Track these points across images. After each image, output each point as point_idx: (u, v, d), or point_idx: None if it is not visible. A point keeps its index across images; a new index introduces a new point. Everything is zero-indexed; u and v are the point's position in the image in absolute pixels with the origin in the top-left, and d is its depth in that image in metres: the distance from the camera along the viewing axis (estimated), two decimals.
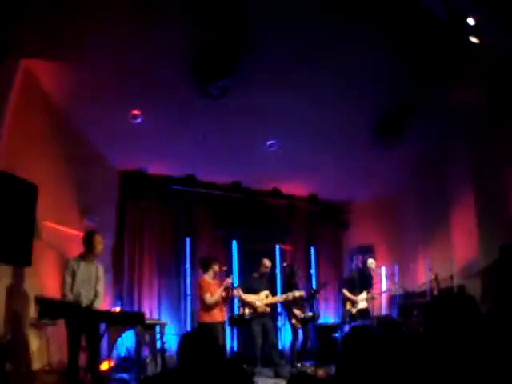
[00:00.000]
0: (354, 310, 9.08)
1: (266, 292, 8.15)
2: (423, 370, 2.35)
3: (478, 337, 2.35)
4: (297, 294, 8.44)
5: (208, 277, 7.64)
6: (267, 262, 8.34)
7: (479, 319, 2.47)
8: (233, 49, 6.09)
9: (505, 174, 7.71)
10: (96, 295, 6.15)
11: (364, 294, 9.20)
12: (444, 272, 8.37)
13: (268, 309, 8.04)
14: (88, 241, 6.14)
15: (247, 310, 7.93)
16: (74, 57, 5.61)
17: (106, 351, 6.60)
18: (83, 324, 5.63)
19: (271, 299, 8.20)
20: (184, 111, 7.56)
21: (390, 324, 7.50)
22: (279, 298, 8.48)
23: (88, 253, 6.12)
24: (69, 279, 5.90)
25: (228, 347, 8.52)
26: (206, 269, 7.70)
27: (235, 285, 7.93)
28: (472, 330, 2.36)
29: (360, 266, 11.01)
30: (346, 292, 9.24)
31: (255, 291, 8.06)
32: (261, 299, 8.00)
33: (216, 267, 7.68)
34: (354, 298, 9.13)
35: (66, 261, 6.11)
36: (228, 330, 8.34)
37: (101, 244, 6.23)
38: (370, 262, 9.52)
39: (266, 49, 6.26)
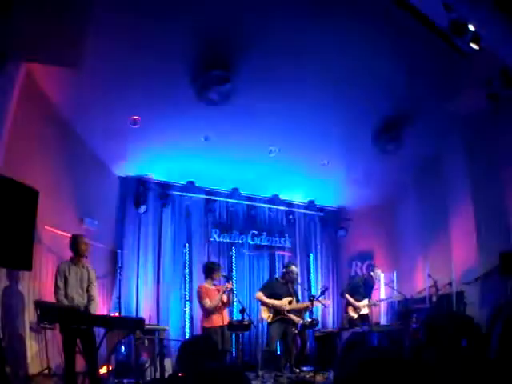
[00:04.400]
0: (355, 316, 9.11)
1: (289, 298, 8.16)
2: (423, 377, 2.36)
3: (477, 346, 2.37)
4: (322, 301, 8.49)
5: (207, 283, 7.67)
6: (295, 269, 8.42)
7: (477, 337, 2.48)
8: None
9: (504, 179, 7.72)
10: (91, 299, 6.19)
11: (366, 301, 9.22)
12: (443, 278, 8.37)
13: (289, 315, 8.03)
14: (73, 244, 6.18)
15: (266, 315, 7.96)
16: (74, 61, 5.63)
17: (104, 356, 6.58)
18: (82, 328, 5.63)
19: (294, 305, 8.19)
20: (184, 117, 7.58)
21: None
22: (302, 304, 8.44)
23: (76, 256, 6.15)
24: (61, 284, 5.92)
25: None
26: (208, 275, 7.72)
27: (258, 288, 7.97)
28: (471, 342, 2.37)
29: (360, 272, 11.04)
30: (349, 297, 9.25)
31: (278, 296, 8.10)
32: (283, 304, 8.02)
33: (216, 274, 7.71)
34: (356, 304, 9.15)
35: (58, 265, 6.13)
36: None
37: (85, 245, 6.25)
38: (377, 271, 9.53)
39: (266, 54, 6.29)
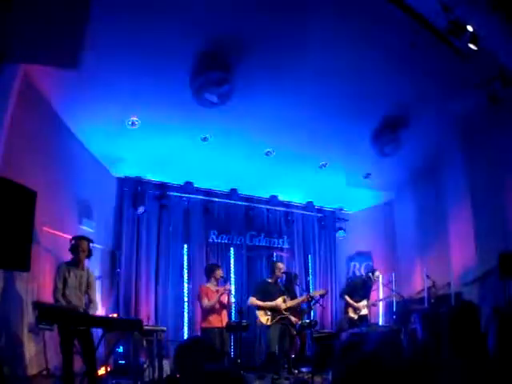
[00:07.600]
0: (355, 317, 9.10)
1: (284, 296, 8.05)
2: (421, 378, 2.36)
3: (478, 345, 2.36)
4: (317, 293, 8.46)
5: (210, 284, 7.67)
6: (281, 265, 8.27)
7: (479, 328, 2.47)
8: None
9: (503, 181, 7.72)
10: (91, 302, 6.16)
11: (365, 302, 9.22)
12: (441, 279, 8.38)
13: (287, 313, 7.95)
14: (72, 246, 6.13)
15: (264, 318, 7.85)
16: (72, 62, 5.62)
17: (103, 356, 6.58)
18: (80, 329, 5.62)
19: (291, 302, 8.08)
20: (182, 118, 7.58)
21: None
22: (298, 299, 8.32)
23: (75, 258, 6.12)
24: (60, 285, 5.88)
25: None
26: (208, 276, 7.74)
27: (250, 294, 7.90)
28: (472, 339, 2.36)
29: (359, 273, 11.04)
30: (348, 298, 9.24)
31: (271, 297, 7.95)
32: (279, 304, 7.94)
33: (217, 274, 7.71)
34: (356, 304, 9.14)
35: (58, 265, 6.10)
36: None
37: (84, 247, 6.15)
38: (377, 274, 9.54)
39: (265, 54, 6.28)
